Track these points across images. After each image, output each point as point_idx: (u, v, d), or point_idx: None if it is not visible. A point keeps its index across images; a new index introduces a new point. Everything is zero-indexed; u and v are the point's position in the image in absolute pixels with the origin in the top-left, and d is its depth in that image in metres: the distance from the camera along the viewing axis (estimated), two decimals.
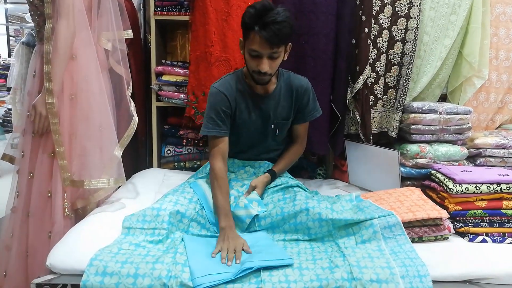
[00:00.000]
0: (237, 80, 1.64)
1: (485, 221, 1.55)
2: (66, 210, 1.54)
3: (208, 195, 1.56)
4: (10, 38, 5.75)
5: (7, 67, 4.96)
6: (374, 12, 1.98)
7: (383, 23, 1.99)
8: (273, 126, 1.71)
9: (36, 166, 1.56)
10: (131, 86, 1.77)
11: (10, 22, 5.82)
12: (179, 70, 2.18)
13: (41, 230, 1.54)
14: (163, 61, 2.25)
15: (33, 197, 1.56)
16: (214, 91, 1.62)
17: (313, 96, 1.74)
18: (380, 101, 2.08)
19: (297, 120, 1.76)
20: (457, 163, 1.89)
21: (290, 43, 1.53)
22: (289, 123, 1.75)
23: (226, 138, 1.62)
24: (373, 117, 2.08)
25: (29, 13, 1.64)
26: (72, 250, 1.26)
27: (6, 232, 1.64)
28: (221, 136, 1.61)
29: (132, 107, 1.74)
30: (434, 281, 1.20)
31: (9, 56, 5.59)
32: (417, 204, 1.53)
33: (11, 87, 4.12)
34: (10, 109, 4.46)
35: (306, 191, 1.64)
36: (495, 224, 1.54)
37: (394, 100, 2.07)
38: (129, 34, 1.77)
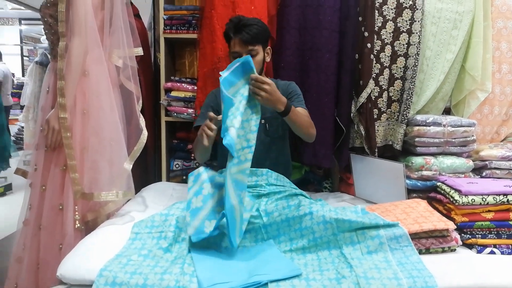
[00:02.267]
0: None
1: (493, 232, 1.53)
2: (77, 222, 1.57)
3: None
4: (24, 58, 5.91)
5: (20, 86, 5.08)
6: (376, 28, 2.02)
7: (385, 38, 2.03)
8: (263, 121, 1.76)
9: (48, 179, 1.59)
10: (141, 101, 1.82)
11: (24, 42, 5.98)
12: (187, 86, 2.23)
13: (52, 242, 1.56)
14: (172, 77, 2.31)
15: (45, 210, 1.58)
16: (209, 93, 1.89)
17: (299, 93, 1.84)
18: (384, 114, 2.10)
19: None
20: (463, 175, 1.89)
21: (269, 47, 1.78)
22: (279, 118, 1.70)
23: None
24: (378, 130, 2.09)
25: (44, 32, 1.70)
26: (83, 261, 1.27)
27: (18, 245, 1.66)
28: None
29: (142, 122, 1.78)
30: None
31: (23, 75, 5.72)
32: (424, 215, 1.53)
33: (24, 105, 4.21)
34: (23, 127, 4.54)
35: (310, 199, 1.66)
36: (503, 236, 1.53)
37: (398, 114, 2.09)
38: (139, 51, 1.82)
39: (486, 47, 2.06)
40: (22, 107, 4.38)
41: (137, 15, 2.29)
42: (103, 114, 1.62)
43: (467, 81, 2.11)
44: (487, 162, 1.94)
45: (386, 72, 2.05)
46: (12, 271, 1.65)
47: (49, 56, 1.85)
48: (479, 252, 1.49)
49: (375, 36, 2.02)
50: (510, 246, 1.51)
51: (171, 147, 2.38)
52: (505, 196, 1.54)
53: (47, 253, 1.57)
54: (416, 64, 2.00)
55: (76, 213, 1.58)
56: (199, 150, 1.74)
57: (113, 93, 1.68)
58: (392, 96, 2.09)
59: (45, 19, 1.63)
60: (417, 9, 1.99)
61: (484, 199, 1.54)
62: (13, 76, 5.33)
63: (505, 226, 1.54)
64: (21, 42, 5.94)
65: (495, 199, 1.54)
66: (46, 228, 1.58)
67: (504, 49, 2.13)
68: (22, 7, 4.66)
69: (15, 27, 6.06)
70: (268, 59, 1.79)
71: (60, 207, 1.57)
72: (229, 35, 1.71)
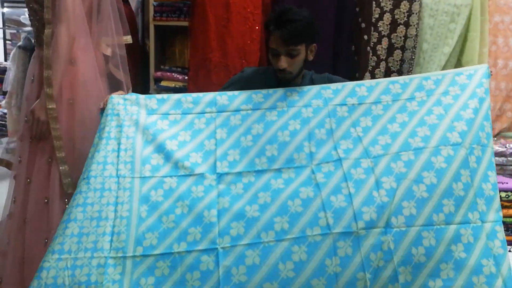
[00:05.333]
0: (268, 73, 1.63)
1: None
2: None
3: None
4: (7, 42, 5.72)
5: (3, 71, 4.92)
6: (373, 20, 1.99)
7: (382, 30, 2.00)
8: None
9: (33, 172, 1.55)
10: (130, 91, 1.76)
11: (7, 26, 5.79)
12: (178, 76, 2.18)
13: (37, 237, 1.52)
14: (162, 66, 2.25)
15: (30, 204, 1.54)
16: (241, 72, 1.66)
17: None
18: None
19: None
20: None
21: (314, 44, 1.53)
22: None
23: None
24: None
25: (28, 18, 1.63)
26: None
27: (2, 239, 1.61)
28: None
29: None
30: None
31: (5, 60, 5.55)
32: None
33: (6, 91, 4.09)
34: (5, 113, 4.42)
35: None
36: None
37: None
38: (129, 39, 1.76)
39: (483, 41, 2.06)
40: (4, 93, 4.24)
41: (125, 1, 2.20)
42: (91, 103, 1.57)
43: None
44: None
45: (383, 65, 2.03)
46: None
47: (32, 41, 1.77)
48: None
49: (372, 28, 1.99)
50: None
51: None
52: None
53: (33, 248, 1.53)
54: (413, 57, 1.98)
55: (66, 206, 1.53)
56: None
57: (101, 82, 1.63)
58: None
59: (30, 5, 1.56)
60: (415, 1, 1.97)
61: None
62: None
63: None
64: (4, 25, 5.74)
65: None
66: (31, 222, 1.54)
67: (500, 44, 2.13)
68: None
69: None
70: (311, 57, 1.55)
71: (46, 200, 1.53)
72: (269, 28, 1.47)
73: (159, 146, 1.34)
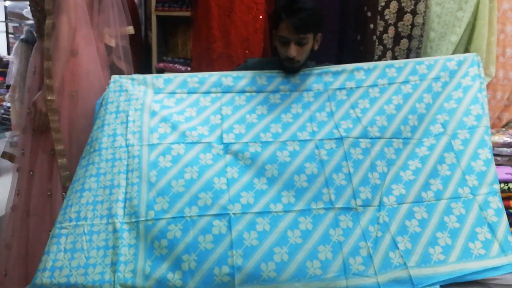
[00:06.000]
0: (273, 62, 1.64)
1: None
2: None
3: None
4: (9, 35, 5.71)
5: (6, 64, 4.92)
6: (380, 8, 1.95)
7: (388, 19, 1.97)
8: None
9: (36, 164, 1.55)
10: None
11: (9, 19, 5.78)
12: (180, 67, 2.16)
13: (41, 229, 1.53)
14: (164, 57, 2.23)
15: (33, 196, 1.54)
16: (244, 63, 1.70)
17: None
18: None
19: None
20: None
21: (320, 34, 1.55)
22: None
23: None
24: None
25: (29, 9, 1.62)
26: None
27: (6, 231, 1.62)
28: None
29: None
30: None
31: (8, 53, 5.55)
32: None
33: (10, 84, 4.09)
34: (9, 107, 4.43)
35: None
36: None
37: None
38: (131, 30, 1.76)
39: (491, 30, 2.01)
40: (8, 87, 4.24)
41: None
42: (94, 95, 1.56)
43: None
44: None
45: (389, 54, 1.99)
46: (1, 258, 1.61)
47: (35, 34, 1.76)
48: None
49: (378, 17, 1.95)
50: None
51: None
52: (506, 184, 1.53)
53: (36, 240, 1.54)
54: (420, 46, 1.95)
55: None
56: None
57: (103, 73, 1.62)
58: None
59: None
60: None
61: None
62: None
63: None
64: (6, 19, 5.73)
65: None
66: (34, 215, 1.55)
67: (509, 32, 2.08)
68: None
69: (0, 3, 5.84)
70: (316, 47, 1.57)
71: (49, 193, 1.54)
72: (280, 16, 1.47)
73: (166, 117, 1.40)
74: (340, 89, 1.50)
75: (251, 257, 1.15)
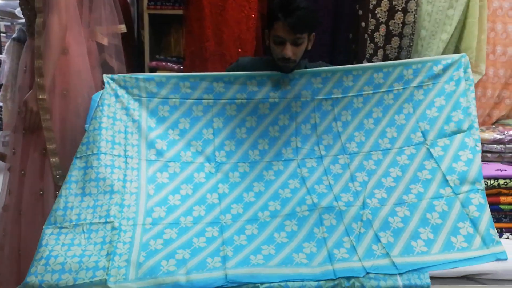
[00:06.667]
0: (266, 62, 1.64)
1: None
2: None
3: None
4: (1, 34, 5.67)
5: None
6: (371, 7, 1.96)
7: (380, 17, 1.98)
8: None
9: (27, 163, 1.54)
10: None
11: (1, 18, 5.74)
12: (173, 65, 2.16)
13: (33, 228, 1.52)
14: (157, 56, 2.22)
15: (24, 195, 1.54)
16: (236, 62, 1.68)
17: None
18: None
19: None
20: None
21: (313, 33, 1.55)
22: None
23: None
24: None
25: (20, 8, 1.61)
26: None
27: None
28: None
29: None
30: (432, 277, 1.19)
31: (0, 52, 5.51)
32: None
33: (1, 84, 4.06)
34: (0, 106, 4.40)
35: None
36: (492, 219, 1.54)
37: None
38: (123, 28, 1.75)
39: (481, 28, 2.03)
40: (0, 86, 4.21)
41: None
42: (85, 94, 1.57)
43: None
44: None
45: (380, 52, 2.01)
46: None
47: (26, 33, 1.75)
48: None
49: (370, 15, 1.96)
50: (499, 230, 1.52)
51: None
52: (496, 180, 1.54)
53: (29, 240, 1.53)
54: (411, 44, 1.96)
55: None
56: None
57: (95, 72, 1.62)
58: None
59: None
60: None
61: None
62: None
63: (495, 210, 1.54)
64: None
65: (486, 183, 1.53)
66: (26, 214, 1.54)
67: (499, 30, 2.10)
68: None
69: None
70: (309, 46, 1.55)
71: (41, 192, 1.54)
72: (276, 15, 1.44)
73: (162, 135, 1.48)
74: (326, 99, 1.56)
75: (240, 252, 1.23)
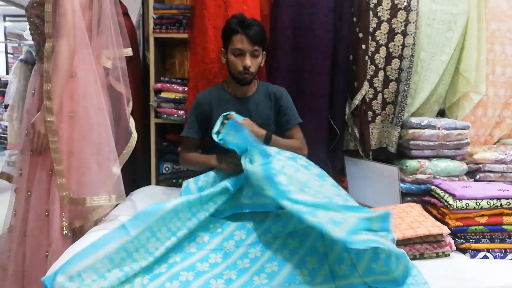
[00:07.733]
0: (218, 88, 1.82)
1: (486, 237, 1.54)
2: (64, 229, 1.53)
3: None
4: (8, 55, 5.78)
5: (4, 84, 4.96)
6: (371, 29, 2.00)
7: (380, 39, 2.01)
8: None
9: (34, 184, 1.55)
10: (131, 103, 1.78)
11: (8, 39, 5.86)
12: (177, 87, 2.19)
13: (38, 250, 1.52)
14: (162, 78, 2.26)
15: (30, 217, 1.54)
16: (196, 98, 1.83)
17: (289, 106, 1.81)
18: (378, 116, 2.09)
19: (285, 124, 1.80)
20: (457, 179, 1.89)
21: (264, 52, 1.73)
22: (272, 126, 1.77)
23: (196, 139, 1.82)
24: (372, 132, 2.08)
25: (29, 32, 1.65)
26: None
27: (2, 252, 1.61)
28: (192, 136, 1.80)
29: (132, 124, 1.74)
30: None
31: (7, 73, 5.60)
32: (418, 220, 1.52)
33: (8, 104, 4.12)
34: (6, 127, 4.45)
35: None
36: (496, 240, 1.54)
37: (392, 116, 2.08)
38: (129, 52, 1.78)
39: (480, 49, 2.06)
40: (6, 106, 4.27)
41: (125, 14, 2.23)
42: (92, 116, 1.58)
43: (461, 83, 2.11)
44: (480, 165, 1.94)
45: (381, 74, 2.04)
46: None
47: (34, 54, 1.79)
48: (472, 257, 1.50)
49: (370, 37, 2.00)
50: (503, 250, 1.53)
51: (161, 150, 2.33)
52: (498, 200, 1.55)
53: (33, 261, 1.53)
54: (411, 66, 1.99)
55: (64, 219, 1.54)
56: (199, 167, 1.77)
57: (101, 94, 1.63)
58: (387, 98, 2.08)
59: (31, 20, 1.58)
60: (412, 10, 1.97)
61: (478, 204, 1.54)
62: None
63: (498, 230, 1.55)
64: (5, 39, 5.81)
65: (488, 203, 1.54)
66: (31, 236, 1.54)
67: (498, 51, 2.14)
68: (6, 3, 4.54)
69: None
70: (262, 63, 1.76)
71: (46, 213, 1.53)
72: (234, 30, 1.63)
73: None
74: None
75: (244, 274, 1.24)
